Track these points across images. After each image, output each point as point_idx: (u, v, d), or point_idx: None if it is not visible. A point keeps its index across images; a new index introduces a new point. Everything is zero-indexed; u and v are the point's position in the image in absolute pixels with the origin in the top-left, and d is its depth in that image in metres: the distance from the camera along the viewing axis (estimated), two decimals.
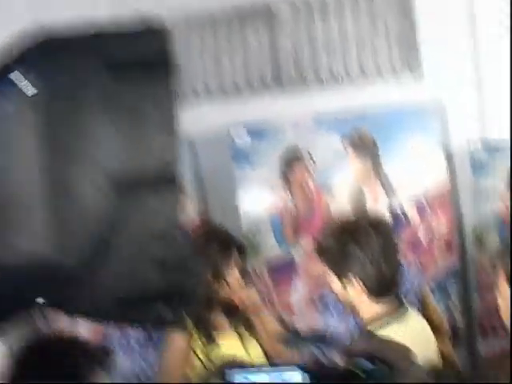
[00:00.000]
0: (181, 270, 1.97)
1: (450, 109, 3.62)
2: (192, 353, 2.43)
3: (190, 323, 2.33)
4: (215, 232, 2.67)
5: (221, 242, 2.58)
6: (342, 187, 3.53)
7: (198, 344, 2.48)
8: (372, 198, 3.52)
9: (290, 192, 3.53)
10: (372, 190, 3.54)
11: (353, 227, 2.19)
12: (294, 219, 3.52)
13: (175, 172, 1.98)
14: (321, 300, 3.48)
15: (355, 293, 2.18)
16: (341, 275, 2.19)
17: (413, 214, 3.52)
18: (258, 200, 3.54)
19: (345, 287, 2.20)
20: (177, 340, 2.36)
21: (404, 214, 3.52)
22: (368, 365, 0.72)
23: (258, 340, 2.68)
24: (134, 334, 3.33)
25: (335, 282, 2.23)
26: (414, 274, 3.48)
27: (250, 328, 2.67)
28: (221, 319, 2.61)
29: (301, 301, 3.52)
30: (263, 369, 0.68)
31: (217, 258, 2.52)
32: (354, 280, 2.16)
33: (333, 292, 2.29)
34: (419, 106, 3.53)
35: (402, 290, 3.16)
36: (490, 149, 3.47)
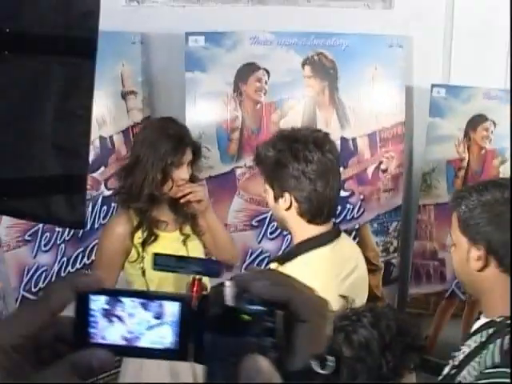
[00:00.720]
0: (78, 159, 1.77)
1: (416, 47, 3.53)
2: (131, 243, 2.50)
3: (134, 216, 2.48)
4: (169, 126, 2.56)
5: (174, 137, 2.50)
6: (295, 107, 3.44)
7: (139, 238, 2.53)
8: (324, 123, 3.44)
9: (240, 105, 3.43)
10: (325, 114, 3.45)
11: (293, 137, 2.02)
12: (240, 134, 3.45)
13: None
14: (257, 218, 3.38)
15: (287, 209, 2.04)
16: (274, 188, 2.05)
17: (363, 146, 3.47)
18: (205, 109, 3.44)
19: (277, 202, 2.06)
20: (116, 227, 2.51)
21: (355, 145, 3.47)
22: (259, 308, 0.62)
23: (201, 240, 2.71)
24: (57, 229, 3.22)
25: (270, 196, 2.08)
26: (356, 204, 3.47)
27: (195, 226, 2.67)
28: (167, 216, 2.61)
29: (238, 218, 3.44)
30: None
31: (167, 153, 2.46)
32: (286, 195, 2.01)
33: (268, 207, 2.20)
34: (386, 38, 3.42)
35: (341, 218, 3.35)
36: (452, 94, 3.39)
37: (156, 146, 2.47)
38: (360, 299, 2.06)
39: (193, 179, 2.61)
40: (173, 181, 2.50)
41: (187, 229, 2.66)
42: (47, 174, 1.71)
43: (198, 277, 2.48)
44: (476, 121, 3.36)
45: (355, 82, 3.44)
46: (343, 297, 1.93)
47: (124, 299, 0.70)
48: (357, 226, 3.50)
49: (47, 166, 1.69)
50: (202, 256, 2.65)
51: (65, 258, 3.27)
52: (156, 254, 2.24)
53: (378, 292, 3.48)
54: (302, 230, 2.03)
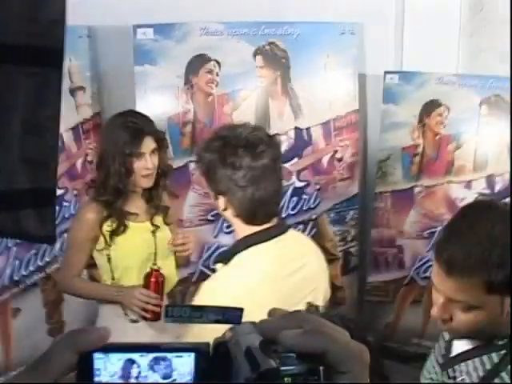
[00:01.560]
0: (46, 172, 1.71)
1: (368, 34, 3.51)
2: (99, 232, 2.59)
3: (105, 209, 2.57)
4: (128, 118, 2.58)
5: (131, 128, 2.53)
6: (248, 98, 3.39)
7: (108, 226, 2.60)
8: (277, 113, 3.41)
9: (192, 98, 3.37)
10: (278, 104, 3.41)
11: (225, 140, 1.94)
12: (193, 127, 3.38)
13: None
14: (212, 212, 3.35)
15: (224, 210, 2.01)
16: (210, 189, 2.02)
17: (318, 135, 3.44)
18: (156, 103, 3.35)
19: (216, 201, 2.02)
20: (85, 216, 2.59)
21: (309, 134, 3.44)
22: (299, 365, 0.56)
23: (170, 229, 2.77)
24: None
25: (212, 197, 2.05)
26: (312, 195, 3.45)
27: (166, 218, 2.74)
28: (138, 207, 2.67)
29: (193, 213, 3.40)
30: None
31: (125, 144, 2.52)
32: (221, 197, 1.97)
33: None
34: (338, 25, 3.39)
35: (298, 209, 3.35)
36: (405, 80, 3.38)
37: (115, 139, 2.53)
38: (315, 299, 2.01)
39: (164, 169, 2.65)
40: (137, 171, 2.55)
41: (158, 220, 2.70)
42: (15, 188, 1.64)
43: (155, 266, 2.54)
44: (430, 106, 3.35)
45: (308, 70, 3.40)
46: (310, 305, 1.85)
47: (133, 356, 0.64)
48: (314, 217, 3.48)
49: (15, 180, 1.62)
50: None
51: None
52: (168, 306, 2.11)
53: (338, 282, 3.47)
54: (242, 229, 2.00)
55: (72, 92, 3.33)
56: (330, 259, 3.34)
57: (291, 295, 1.94)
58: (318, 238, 3.36)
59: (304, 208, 3.45)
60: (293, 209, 3.43)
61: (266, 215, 1.98)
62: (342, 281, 3.52)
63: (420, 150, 3.38)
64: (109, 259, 2.63)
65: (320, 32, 3.38)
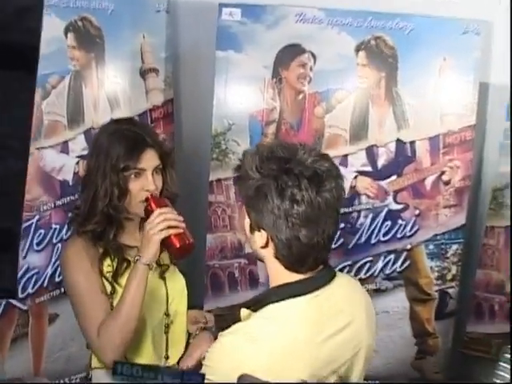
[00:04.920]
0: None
1: (497, 35, 3.11)
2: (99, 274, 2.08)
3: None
4: (125, 127, 2.12)
5: (129, 138, 2.07)
6: (344, 100, 3.04)
7: (108, 266, 2.10)
8: (377, 122, 3.05)
9: (279, 94, 3.03)
10: (379, 111, 3.06)
11: (286, 163, 1.64)
12: (277, 128, 3.04)
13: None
14: None
15: (263, 247, 1.69)
16: (251, 218, 1.70)
17: (423, 152, 3.09)
18: (238, 96, 3.03)
19: (253, 233, 1.70)
20: (73, 257, 2.09)
21: (412, 149, 3.09)
22: None
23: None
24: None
25: (246, 223, 1.73)
26: (409, 221, 3.11)
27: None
28: (136, 239, 2.12)
29: None
30: None
31: (120, 157, 2.03)
32: (263, 232, 1.66)
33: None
34: (460, 23, 3.01)
35: (390, 235, 3.05)
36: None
37: (107, 152, 2.05)
38: (356, 369, 1.72)
39: (169, 196, 2.14)
40: (133, 194, 2.06)
41: (165, 257, 2.19)
42: None
43: (153, 194, 2.03)
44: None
45: (419, 74, 3.06)
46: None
47: None
48: (408, 247, 3.13)
49: None
50: (185, 293, 2.22)
51: None
52: (117, 363, 1.67)
53: (430, 327, 3.13)
54: (279, 274, 1.71)
55: (143, 74, 3.02)
56: (423, 299, 3.08)
57: (325, 364, 1.65)
58: (411, 272, 3.09)
59: (398, 235, 3.10)
60: (385, 235, 3.09)
61: (314, 263, 1.70)
62: (436, 326, 3.14)
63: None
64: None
65: (438, 29, 3.02)
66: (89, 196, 2.06)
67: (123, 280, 2.03)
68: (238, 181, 1.74)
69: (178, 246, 1.96)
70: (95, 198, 2.04)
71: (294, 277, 1.69)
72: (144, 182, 2.05)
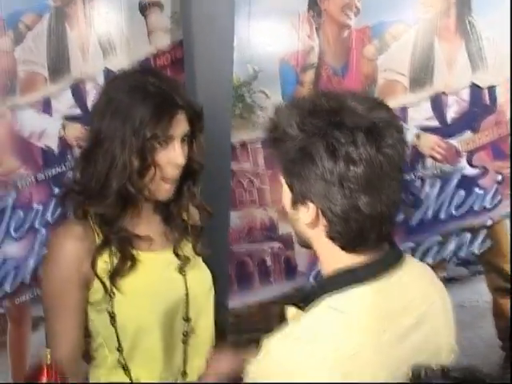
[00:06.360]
0: None
1: None
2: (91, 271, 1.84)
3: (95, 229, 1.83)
4: (148, 80, 1.82)
5: (155, 97, 1.80)
6: (402, 36, 2.62)
7: (105, 263, 1.84)
8: (445, 62, 2.64)
9: (318, 31, 2.62)
10: (448, 48, 2.65)
11: (337, 115, 1.46)
12: (317, 75, 2.65)
13: None
14: None
15: (311, 226, 1.52)
16: (293, 188, 1.52)
17: (506, 100, 2.72)
18: (264, 35, 2.63)
19: (296, 208, 1.52)
20: (66, 245, 1.82)
21: (492, 97, 2.71)
22: None
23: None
24: None
25: (286, 197, 1.56)
26: (489, 189, 2.78)
27: (197, 243, 2.03)
28: (151, 227, 1.93)
29: None
30: None
31: (145, 122, 1.76)
32: (310, 204, 1.48)
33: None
34: None
35: (466, 209, 2.74)
36: None
37: (126, 114, 1.78)
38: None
39: (196, 168, 1.92)
40: (158, 168, 1.82)
41: (186, 247, 2.00)
42: None
43: (49, 362, 1.62)
44: None
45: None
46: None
47: None
48: (489, 223, 2.78)
49: None
50: (211, 292, 2.01)
51: None
52: None
53: None
54: (335, 257, 1.55)
55: (143, 9, 2.60)
56: (510, 289, 2.71)
57: (400, 365, 1.44)
58: (492, 255, 2.74)
59: (475, 208, 2.77)
60: (457, 208, 2.74)
61: (377, 239, 1.53)
62: None
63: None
64: (112, 318, 1.85)
65: None
66: (102, 170, 1.78)
67: (124, 283, 1.81)
68: (272, 143, 1.54)
69: None
70: (109, 174, 1.77)
71: (355, 259, 1.52)
72: (171, 153, 1.80)
